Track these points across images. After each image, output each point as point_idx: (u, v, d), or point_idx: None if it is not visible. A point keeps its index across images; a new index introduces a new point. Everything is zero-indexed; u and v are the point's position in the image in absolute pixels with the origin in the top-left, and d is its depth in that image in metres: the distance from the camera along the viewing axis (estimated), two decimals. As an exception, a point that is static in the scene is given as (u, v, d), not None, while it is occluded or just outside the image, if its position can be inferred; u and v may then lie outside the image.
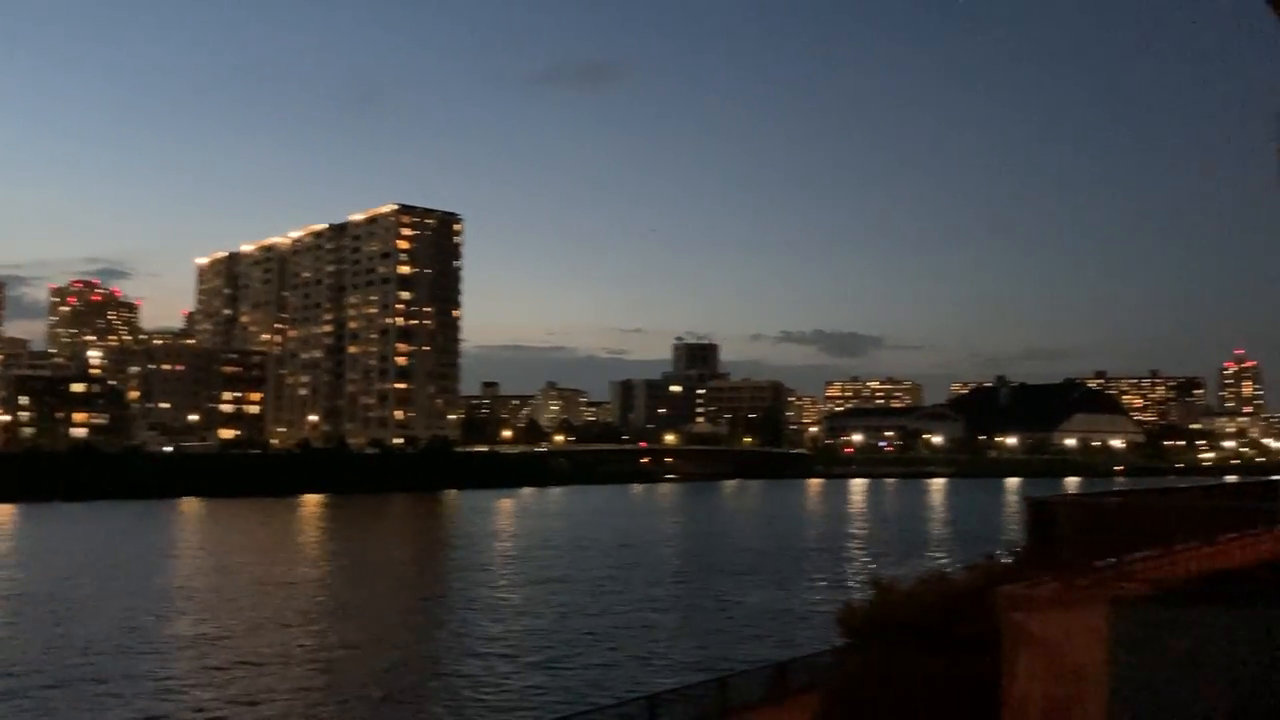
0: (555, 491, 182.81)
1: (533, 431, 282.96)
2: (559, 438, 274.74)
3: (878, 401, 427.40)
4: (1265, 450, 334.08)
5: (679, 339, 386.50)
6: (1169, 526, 17.58)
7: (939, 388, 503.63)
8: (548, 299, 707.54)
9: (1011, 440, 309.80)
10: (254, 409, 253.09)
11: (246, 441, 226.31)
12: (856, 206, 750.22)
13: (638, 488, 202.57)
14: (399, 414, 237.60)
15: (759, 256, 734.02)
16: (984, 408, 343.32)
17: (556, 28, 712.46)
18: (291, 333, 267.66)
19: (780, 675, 24.92)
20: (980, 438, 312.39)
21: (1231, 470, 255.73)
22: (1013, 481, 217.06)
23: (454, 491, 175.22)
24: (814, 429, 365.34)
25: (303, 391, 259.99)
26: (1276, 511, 21.31)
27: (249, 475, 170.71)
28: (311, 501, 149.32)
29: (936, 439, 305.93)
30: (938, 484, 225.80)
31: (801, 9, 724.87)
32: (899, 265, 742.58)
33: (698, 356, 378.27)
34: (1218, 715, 13.27)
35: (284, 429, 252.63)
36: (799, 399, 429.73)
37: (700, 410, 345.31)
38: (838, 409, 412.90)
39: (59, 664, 39.94)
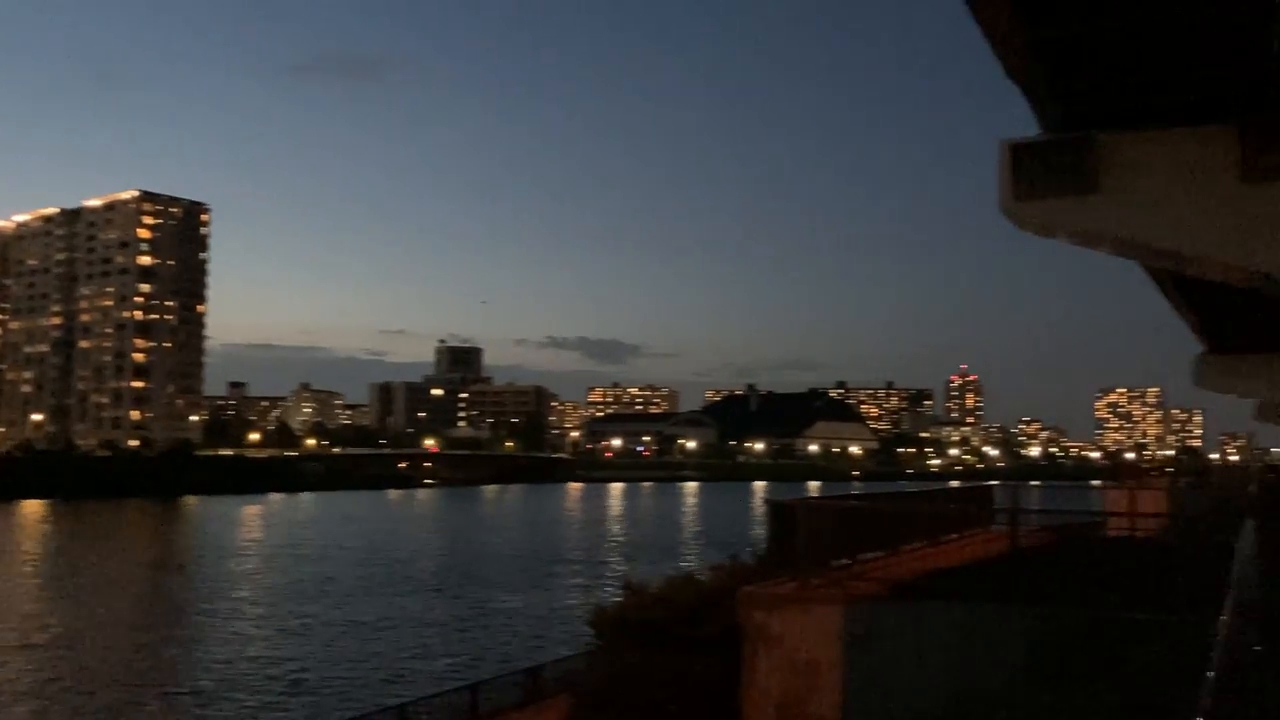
0: (307, 498, 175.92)
1: (284, 435, 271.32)
2: (312, 441, 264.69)
3: (637, 407, 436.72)
4: (985, 457, 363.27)
5: (441, 341, 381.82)
6: (898, 528, 18.81)
7: (695, 395, 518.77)
8: (304, 297, 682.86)
9: (760, 446, 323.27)
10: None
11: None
12: (623, 216, 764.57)
13: (395, 493, 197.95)
14: (135, 414, 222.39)
15: (525, 261, 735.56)
16: (735, 414, 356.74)
17: (318, 19, 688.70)
18: (14, 324, 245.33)
19: (533, 679, 24.95)
20: (731, 443, 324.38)
21: (955, 476, 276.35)
22: (760, 485, 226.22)
23: (195, 498, 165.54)
24: (575, 434, 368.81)
25: (26, 388, 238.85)
26: (992, 513, 23.20)
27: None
28: (31, 508, 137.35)
29: (691, 444, 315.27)
30: (691, 488, 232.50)
31: (566, 10, 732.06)
32: (661, 275, 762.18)
33: (460, 360, 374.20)
34: (939, 701, 14.26)
35: (2, 429, 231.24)
36: (561, 404, 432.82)
37: (462, 414, 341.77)
38: (599, 414, 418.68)
39: None
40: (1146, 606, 13.04)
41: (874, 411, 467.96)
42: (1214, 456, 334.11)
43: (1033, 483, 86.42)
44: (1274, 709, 5.58)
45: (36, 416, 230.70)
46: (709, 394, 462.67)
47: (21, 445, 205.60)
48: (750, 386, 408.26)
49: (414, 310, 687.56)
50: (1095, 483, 76.25)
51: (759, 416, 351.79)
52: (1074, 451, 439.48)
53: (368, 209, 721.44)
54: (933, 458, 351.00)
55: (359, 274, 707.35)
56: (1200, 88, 18.41)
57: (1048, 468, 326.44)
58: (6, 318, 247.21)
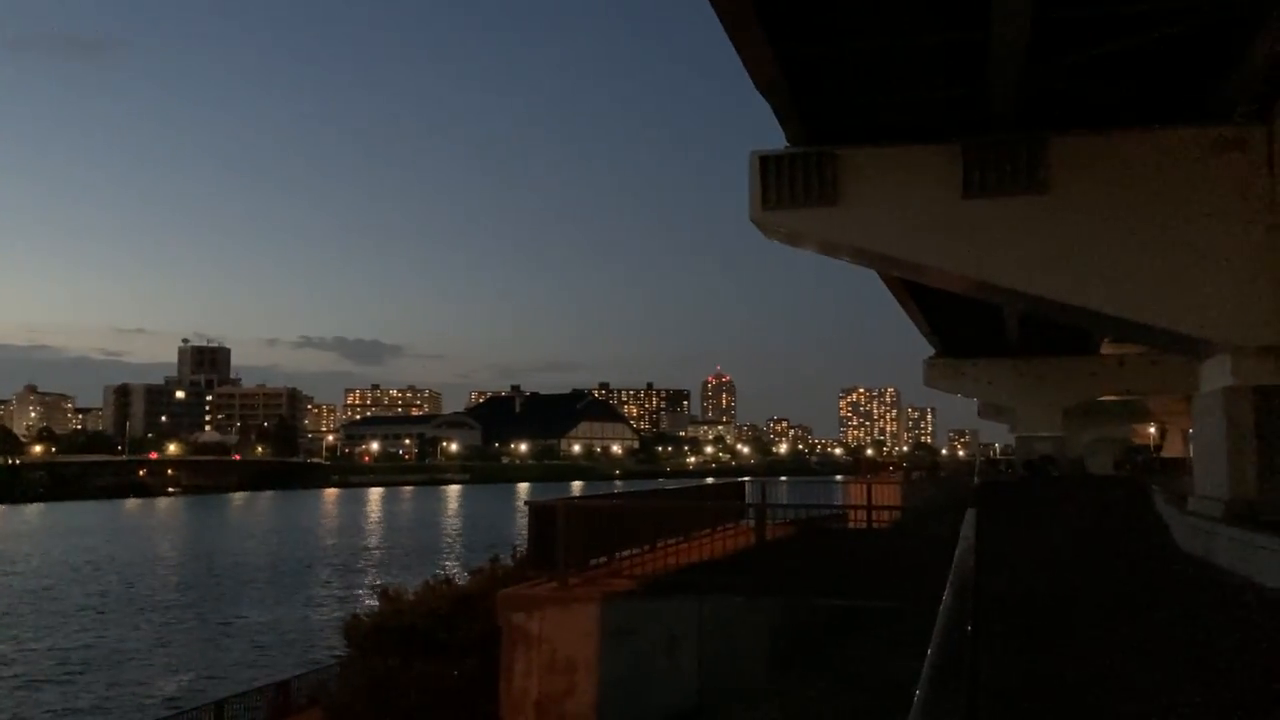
0: (31, 509, 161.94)
1: (6, 440, 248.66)
2: (39, 448, 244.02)
3: (398, 410, 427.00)
4: (738, 455, 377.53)
5: (185, 341, 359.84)
6: (656, 525, 19.25)
7: (459, 397, 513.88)
8: (30, 292, 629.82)
9: (524, 447, 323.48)
10: None
11: None
12: (384, 213, 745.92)
13: (133, 503, 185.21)
14: None
15: (277, 257, 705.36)
16: (499, 416, 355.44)
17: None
18: None
19: (282, 693, 24.03)
20: (496, 445, 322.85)
21: (711, 473, 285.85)
22: (524, 486, 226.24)
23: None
24: (331, 438, 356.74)
25: None
26: (743, 509, 24.14)
27: None
28: None
29: (454, 446, 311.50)
30: (454, 490, 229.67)
31: None
32: (424, 275, 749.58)
33: (206, 360, 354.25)
34: (689, 694, 14.69)
35: None
36: (316, 407, 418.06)
37: (208, 418, 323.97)
38: (356, 417, 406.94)
39: None
40: (881, 594, 13.89)
41: (635, 411, 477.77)
42: (944, 452, 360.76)
43: (782, 478, 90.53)
44: (981, 681, 6.08)
45: None
46: (473, 395, 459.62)
47: None
48: (514, 388, 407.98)
49: (154, 308, 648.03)
50: (839, 478, 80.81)
51: (523, 418, 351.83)
52: (820, 448, 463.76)
53: (103, 198, 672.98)
54: (690, 456, 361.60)
55: (92, 268, 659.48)
56: (928, 110, 19.87)
57: (796, 464, 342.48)
58: None
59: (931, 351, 61.70)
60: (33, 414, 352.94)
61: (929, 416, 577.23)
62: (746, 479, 46.75)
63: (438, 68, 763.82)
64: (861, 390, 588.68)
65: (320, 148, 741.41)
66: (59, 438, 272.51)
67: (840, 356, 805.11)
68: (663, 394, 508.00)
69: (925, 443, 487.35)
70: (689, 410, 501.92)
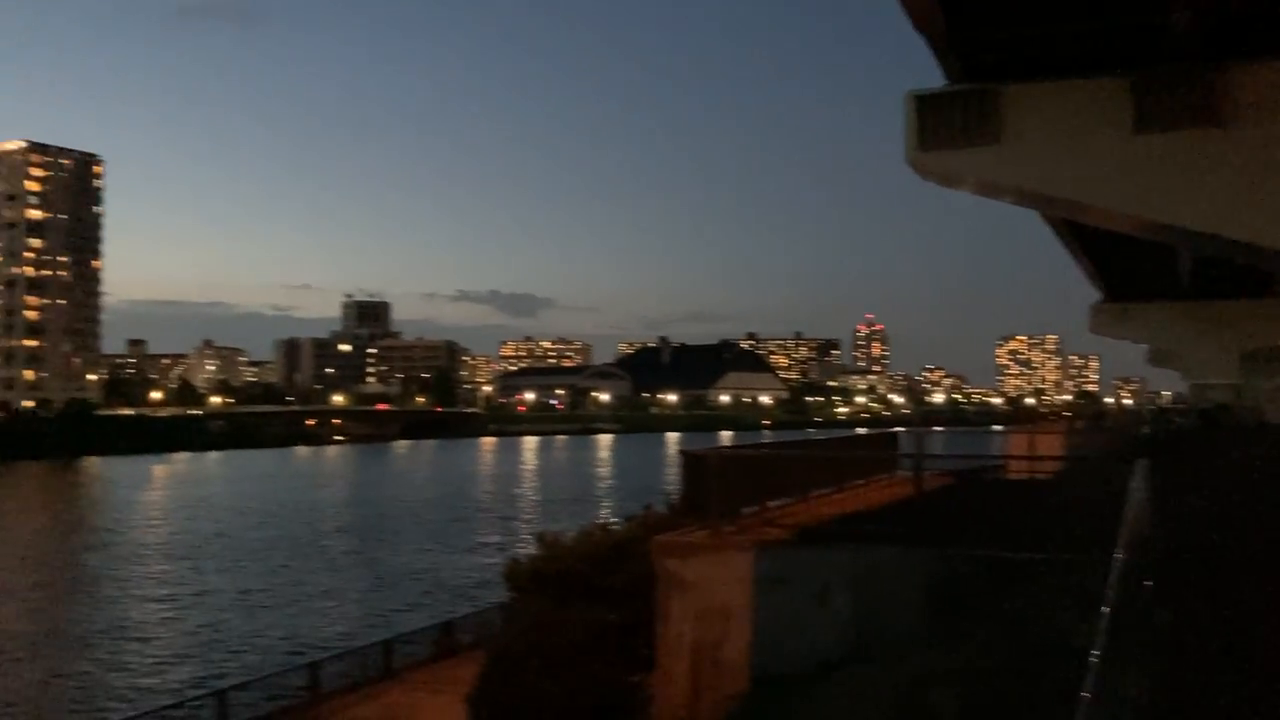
0: (213, 457, 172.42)
1: (186, 393, 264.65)
2: (216, 399, 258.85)
3: (550, 361, 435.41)
4: (890, 405, 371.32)
5: (348, 296, 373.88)
6: (807, 475, 19.13)
7: (607, 348, 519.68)
8: (206, 252, 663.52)
9: (672, 397, 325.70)
10: None
11: None
12: (535, 166, 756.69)
13: (303, 450, 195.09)
14: (29, 374, 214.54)
15: (434, 213, 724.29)
16: (648, 367, 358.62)
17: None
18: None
19: (446, 634, 24.99)
20: (644, 395, 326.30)
21: (862, 423, 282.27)
22: (673, 436, 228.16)
23: (96, 459, 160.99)
24: (488, 388, 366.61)
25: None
26: (896, 459, 23.74)
27: None
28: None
29: (604, 397, 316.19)
30: (605, 439, 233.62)
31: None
32: (574, 227, 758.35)
33: (369, 315, 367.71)
34: (843, 642, 14.63)
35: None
36: (473, 359, 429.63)
37: (371, 370, 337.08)
38: (511, 369, 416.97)
39: None
40: (1043, 546, 13.48)
41: (783, 361, 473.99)
42: (1109, 400, 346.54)
43: (936, 429, 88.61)
44: (1162, 638, 5.81)
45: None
46: (622, 347, 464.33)
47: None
48: (662, 339, 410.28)
49: (320, 264, 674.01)
50: (997, 428, 78.61)
51: (671, 368, 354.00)
52: (976, 398, 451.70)
53: (269, 160, 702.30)
54: (840, 406, 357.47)
55: (262, 227, 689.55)
56: (1096, 41, 18.82)
57: (951, 414, 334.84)
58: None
59: (1096, 296, 59.09)
60: (210, 367, 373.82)
61: (1093, 364, 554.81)
62: (900, 429, 45.92)
63: (587, 21, 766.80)
64: (1021, 338, 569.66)
65: (475, 105, 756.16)
66: (234, 390, 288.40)
67: (998, 303, 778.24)
68: (812, 343, 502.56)
69: (1089, 392, 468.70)
70: (839, 359, 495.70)
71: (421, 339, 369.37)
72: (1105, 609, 3.95)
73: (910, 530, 15.31)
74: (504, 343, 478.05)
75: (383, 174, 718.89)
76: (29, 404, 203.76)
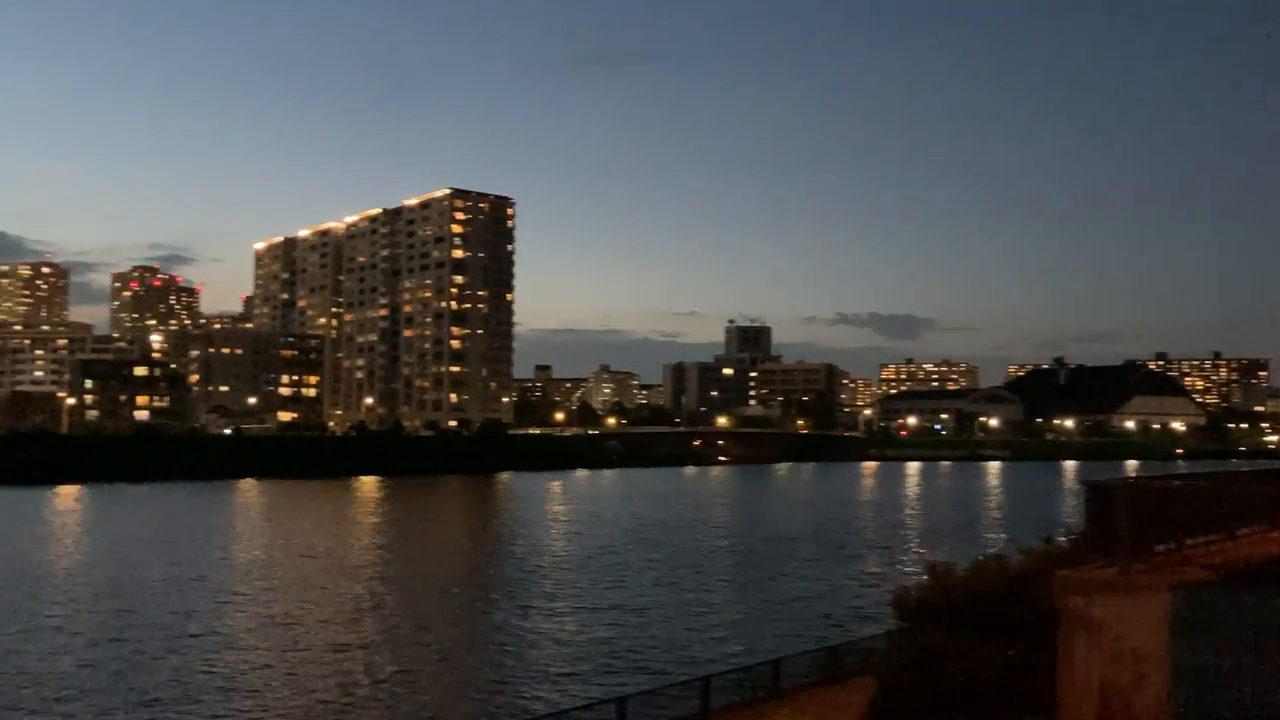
0: (608, 474, 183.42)
1: (585, 414, 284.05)
2: (611, 420, 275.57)
3: (933, 384, 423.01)
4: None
5: (731, 322, 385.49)
6: (1230, 511, 17.28)
7: (994, 370, 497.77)
8: (600, 283, 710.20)
9: (1069, 423, 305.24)
10: (311, 392, 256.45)
11: (304, 424, 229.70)
12: (914, 186, 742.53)
13: (690, 470, 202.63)
14: (453, 397, 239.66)
15: (813, 239, 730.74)
16: (1041, 390, 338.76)
17: (584, 13, 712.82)
18: (348, 316, 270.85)
19: (833, 658, 24.91)
20: (1037, 420, 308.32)
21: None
22: (1070, 465, 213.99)
23: (507, 474, 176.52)
24: (867, 412, 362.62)
25: (359, 375, 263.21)
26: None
27: (307, 457, 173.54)
28: (368, 483, 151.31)
29: (993, 422, 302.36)
30: (994, 467, 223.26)
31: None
32: (953, 247, 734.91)
33: (750, 339, 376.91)
34: (1277, 697, 13.07)
35: (340, 411, 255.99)
36: (852, 381, 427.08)
37: (752, 393, 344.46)
38: (891, 392, 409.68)
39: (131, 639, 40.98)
40: None
41: (1199, 384, 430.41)
42: None
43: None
44: None
45: (368, 400, 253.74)
46: (1011, 369, 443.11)
47: (356, 426, 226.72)
48: (1057, 360, 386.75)
49: (705, 292, 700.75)
50: None
51: (1068, 391, 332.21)
52: None
53: (656, 196, 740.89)
54: (1270, 434, 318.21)
55: (651, 259, 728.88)
56: None
57: None
58: (341, 310, 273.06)
59: None
60: (606, 390, 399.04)
61: None
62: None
63: (972, 28, 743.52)
64: None
65: (850, 134, 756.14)
66: (627, 411, 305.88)
67: None
68: (1233, 364, 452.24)
69: None
70: (1267, 382, 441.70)
71: (801, 362, 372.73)
72: None
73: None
74: (884, 365, 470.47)
75: (761, 203, 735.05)
76: (453, 423, 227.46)
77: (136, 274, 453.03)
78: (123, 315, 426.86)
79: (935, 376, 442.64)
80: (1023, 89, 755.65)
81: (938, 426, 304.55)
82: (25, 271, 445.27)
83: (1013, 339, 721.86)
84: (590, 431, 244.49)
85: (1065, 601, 14.69)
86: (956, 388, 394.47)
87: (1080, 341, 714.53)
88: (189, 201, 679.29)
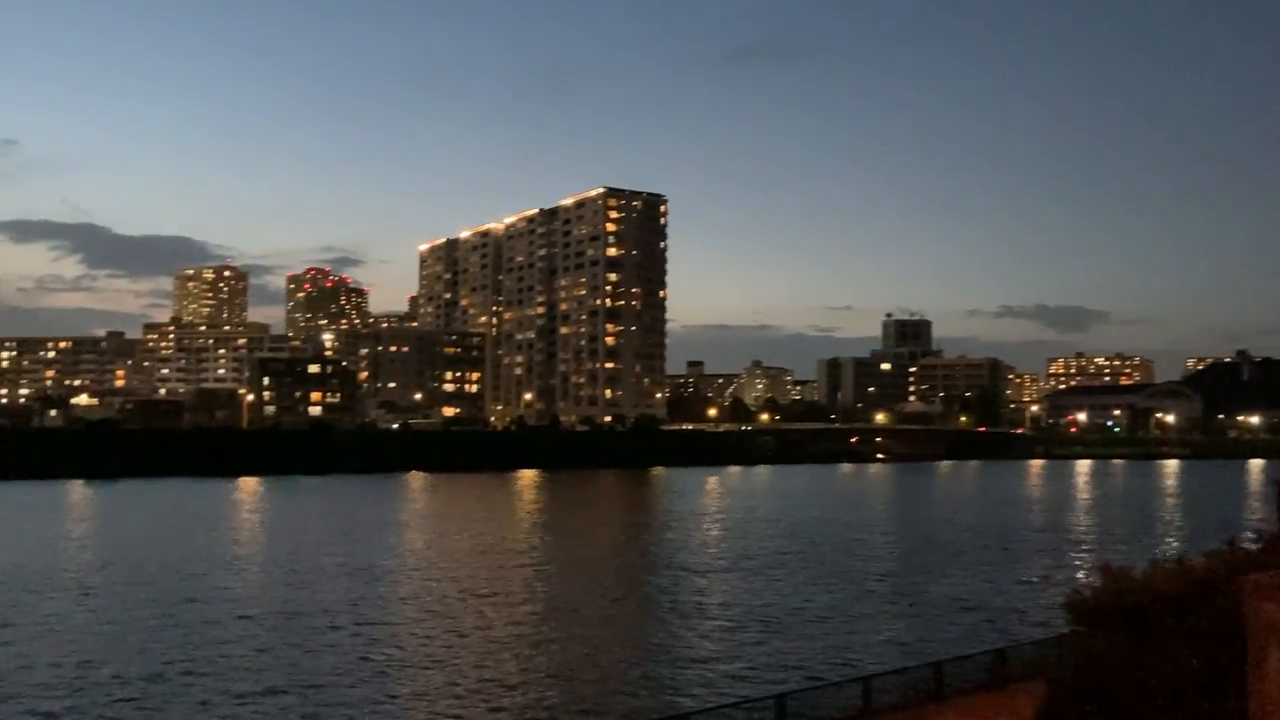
0: (761, 470, 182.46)
1: (738, 410, 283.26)
2: (764, 416, 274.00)
3: (1104, 378, 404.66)
4: None
5: (889, 316, 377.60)
6: None
7: (1171, 364, 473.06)
8: (753, 278, 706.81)
9: (1255, 419, 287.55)
10: (473, 388, 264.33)
11: (467, 419, 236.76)
12: (1087, 171, 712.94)
13: (846, 468, 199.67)
14: (608, 393, 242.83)
15: (974, 230, 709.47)
16: (1224, 385, 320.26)
17: (736, 9, 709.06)
18: (507, 315, 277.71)
19: (1000, 661, 24.04)
20: (1220, 417, 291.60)
21: None
22: (1257, 463, 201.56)
23: (661, 469, 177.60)
24: (1034, 408, 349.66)
25: (518, 371, 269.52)
26: None
27: (470, 451, 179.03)
28: (528, 477, 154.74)
29: (1169, 418, 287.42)
30: (1171, 466, 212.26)
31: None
32: (1126, 234, 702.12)
33: (909, 333, 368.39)
34: None
35: (501, 407, 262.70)
36: (1018, 376, 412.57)
37: (911, 389, 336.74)
38: (1060, 387, 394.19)
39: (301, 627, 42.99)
40: None
41: None
42: None
43: None
44: None
45: (527, 396, 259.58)
46: (1189, 363, 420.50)
47: (515, 421, 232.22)
48: (1241, 353, 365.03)
49: (860, 286, 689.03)
50: None
51: (1254, 386, 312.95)
52: None
53: (808, 190, 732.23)
54: None
55: (805, 254, 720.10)
56: None
57: None
58: (501, 309, 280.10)
59: None
60: (759, 386, 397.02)
61: None
62: None
63: (1074, 28, 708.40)
64: None
65: (1009, 123, 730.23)
66: (780, 407, 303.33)
67: None
68: None
69: None
70: None
71: (963, 357, 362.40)
72: None
73: None
74: (1052, 360, 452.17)
75: (921, 194, 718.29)
76: (607, 419, 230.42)
77: (309, 276, 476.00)
78: (297, 315, 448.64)
79: (1107, 371, 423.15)
80: (1202, 78, 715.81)
81: (1110, 423, 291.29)
82: (209, 275, 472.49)
83: (1191, 331, 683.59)
84: (743, 427, 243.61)
85: (1256, 608, 13.76)
86: (1130, 383, 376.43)
87: (1266, 334, 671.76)
88: (357, 205, 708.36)
